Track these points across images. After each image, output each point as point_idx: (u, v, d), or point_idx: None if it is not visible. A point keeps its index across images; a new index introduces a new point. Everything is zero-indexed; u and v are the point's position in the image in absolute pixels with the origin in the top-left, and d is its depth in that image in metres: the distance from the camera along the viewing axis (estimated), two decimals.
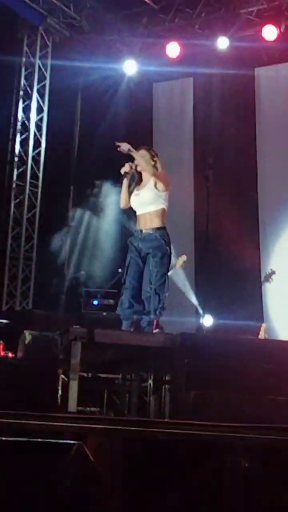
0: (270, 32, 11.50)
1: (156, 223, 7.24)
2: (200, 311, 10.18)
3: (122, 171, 7.30)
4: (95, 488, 2.82)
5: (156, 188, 7.24)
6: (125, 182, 7.34)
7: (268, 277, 9.70)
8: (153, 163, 7.30)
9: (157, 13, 12.48)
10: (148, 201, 7.26)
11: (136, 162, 7.29)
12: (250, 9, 11.80)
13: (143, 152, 7.35)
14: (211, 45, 12.11)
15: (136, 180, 7.37)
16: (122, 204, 7.49)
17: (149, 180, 7.30)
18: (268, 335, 9.98)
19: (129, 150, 7.20)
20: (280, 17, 11.51)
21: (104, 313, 10.64)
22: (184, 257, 9.62)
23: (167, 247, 7.24)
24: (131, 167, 7.26)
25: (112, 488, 3.31)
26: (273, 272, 9.66)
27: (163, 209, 7.27)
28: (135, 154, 7.25)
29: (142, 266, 7.27)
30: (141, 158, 7.29)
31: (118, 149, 7.21)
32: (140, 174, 7.36)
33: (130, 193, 7.37)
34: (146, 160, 7.29)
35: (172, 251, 7.49)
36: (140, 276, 7.27)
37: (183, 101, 13.07)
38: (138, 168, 7.33)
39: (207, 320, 10.40)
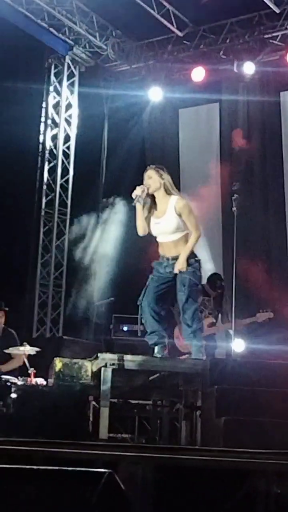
0: None
1: (182, 250, 6.91)
2: (231, 335, 10.15)
3: (134, 194, 6.91)
4: None
5: (177, 213, 6.87)
6: (139, 207, 6.93)
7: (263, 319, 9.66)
8: (162, 181, 6.93)
9: (182, 40, 12.60)
10: (170, 230, 6.92)
11: (146, 185, 6.93)
12: (274, 34, 11.87)
13: (150, 173, 7.00)
14: (236, 71, 12.16)
15: (150, 203, 7.00)
16: (140, 232, 7.06)
17: (167, 205, 6.93)
18: None
19: (142, 191, 6.89)
20: None
21: (134, 339, 10.66)
22: (270, 315, 9.57)
23: (199, 277, 6.99)
24: (143, 190, 6.87)
25: None
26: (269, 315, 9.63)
27: (187, 234, 6.95)
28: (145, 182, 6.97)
29: (164, 287, 6.98)
30: (149, 179, 6.96)
31: (135, 197, 6.91)
32: (153, 197, 7.00)
33: (147, 218, 6.99)
34: (154, 180, 6.94)
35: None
36: (160, 296, 6.98)
37: (209, 127, 13.11)
38: (150, 191, 6.94)
39: (238, 345, 10.36)
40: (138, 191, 6.89)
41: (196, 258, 6.98)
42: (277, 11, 11.54)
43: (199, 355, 6.73)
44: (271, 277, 11.54)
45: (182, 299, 6.84)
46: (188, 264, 6.85)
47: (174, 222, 6.88)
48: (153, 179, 6.95)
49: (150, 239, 7.27)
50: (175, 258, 6.89)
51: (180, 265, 6.82)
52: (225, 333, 9.67)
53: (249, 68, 12.06)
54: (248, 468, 3.98)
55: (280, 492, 4.01)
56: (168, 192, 6.97)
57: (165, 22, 12.08)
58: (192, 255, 6.93)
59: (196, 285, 6.95)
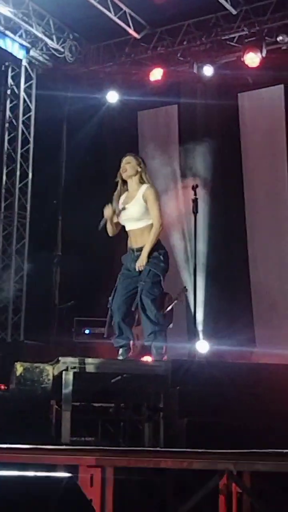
0: (252, 60, 11.61)
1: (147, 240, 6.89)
2: (199, 336, 10.19)
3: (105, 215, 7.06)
4: None
5: (144, 200, 6.90)
6: (105, 222, 7.10)
7: (180, 294, 9.67)
8: (139, 169, 7.01)
9: (139, 42, 12.60)
10: (136, 217, 6.94)
11: (122, 169, 7.03)
12: (231, 35, 11.92)
13: (129, 158, 7.07)
14: (193, 72, 12.20)
15: (121, 188, 7.09)
16: (110, 233, 7.16)
17: (136, 192, 7.00)
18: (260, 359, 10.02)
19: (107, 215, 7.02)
20: (261, 42, 11.60)
21: (96, 341, 10.64)
22: (185, 290, 9.55)
23: (162, 268, 6.90)
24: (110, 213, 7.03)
25: None
26: (185, 289, 9.62)
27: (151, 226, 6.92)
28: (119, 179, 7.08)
29: (132, 288, 6.95)
30: (127, 164, 7.03)
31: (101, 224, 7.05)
32: (125, 182, 7.10)
33: (114, 210, 7.01)
34: (132, 166, 7.02)
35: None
36: (128, 298, 6.96)
37: (168, 129, 13.15)
38: (124, 176, 7.04)
39: (203, 346, 10.40)
40: (107, 213, 7.03)
41: (160, 251, 6.95)
42: (234, 12, 11.60)
43: (159, 357, 6.74)
44: None
45: (140, 289, 6.84)
46: (152, 256, 6.84)
47: (140, 208, 6.92)
48: (131, 164, 7.03)
49: (112, 245, 7.28)
50: (141, 250, 6.87)
51: (140, 262, 6.83)
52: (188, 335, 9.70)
53: (208, 70, 12.10)
54: (210, 468, 3.99)
55: (241, 491, 4.03)
56: (141, 181, 7.01)
57: (122, 24, 12.08)
58: (157, 247, 6.92)
59: (158, 276, 6.89)
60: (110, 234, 7.18)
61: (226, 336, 10.62)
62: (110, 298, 7.07)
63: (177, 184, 12.28)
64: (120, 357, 6.95)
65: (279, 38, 11.42)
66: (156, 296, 6.91)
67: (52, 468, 3.97)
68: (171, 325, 7.71)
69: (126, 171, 7.04)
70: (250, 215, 12.11)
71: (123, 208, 6.99)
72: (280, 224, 11.89)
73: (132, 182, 7.07)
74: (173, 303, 8.57)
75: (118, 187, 7.14)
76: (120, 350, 6.99)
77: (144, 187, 6.99)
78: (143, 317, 6.92)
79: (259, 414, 5.73)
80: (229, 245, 12.32)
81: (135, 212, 6.93)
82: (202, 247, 11.10)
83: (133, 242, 7.00)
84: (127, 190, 7.11)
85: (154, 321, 6.86)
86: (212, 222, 11.65)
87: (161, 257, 6.94)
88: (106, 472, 3.55)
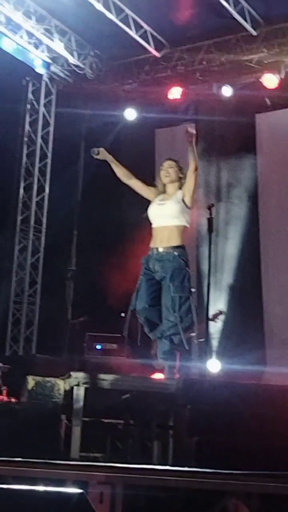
0: (270, 81, 11.68)
1: (176, 241, 6.82)
2: (210, 355, 10.18)
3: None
4: None
5: (183, 202, 6.87)
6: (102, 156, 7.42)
7: (215, 317, 9.69)
8: (181, 175, 6.99)
9: (159, 61, 12.68)
10: (172, 214, 6.83)
11: (164, 173, 7.02)
12: (250, 56, 11.98)
13: (172, 163, 7.08)
14: (212, 92, 12.27)
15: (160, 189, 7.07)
16: (123, 177, 7.35)
17: (176, 192, 6.96)
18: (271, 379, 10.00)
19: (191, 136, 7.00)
20: (280, 64, 11.66)
21: (107, 357, 10.65)
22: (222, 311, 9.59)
23: (186, 268, 6.81)
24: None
25: None
26: (220, 312, 9.65)
27: (185, 227, 6.90)
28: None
29: (156, 289, 6.86)
30: (170, 168, 7.04)
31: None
32: (164, 186, 7.08)
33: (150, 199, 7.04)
34: (175, 171, 7.03)
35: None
36: (153, 300, 6.87)
37: (185, 147, 13.14)
38: (166, 180, 7.03)
39: (214, 365, 10.39)
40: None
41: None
42: (254, 34, 11.67)
43: (171, 376, 6.74)
44: None
45: (175, 295, 6.74)
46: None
47: (179, 206, 6.85)
48: (174, 169, 7.03)
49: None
50: (166, 252, 6.79)
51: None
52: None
53: (227, 91, 12.17)
54: (219, 489, 3.99)
55: None
56: (180, 188, 6.99)
57: (143, 43, 12.17)
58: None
59: (186, 274, 6.84)
60: (123, 178, 7.35)
61: (236, 356, 10.60)
62: (132, 302, 6.95)
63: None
64: (160, 351, 6.87)
65: None
66: (190, 299, 6.83)
67: (61, 483, 3.99)
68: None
69: (170, 175, 7.02)
70: (264, 236, 12.10)
71: (161, 204, 6.94)
72: None
73: (172, 187, 7.04)
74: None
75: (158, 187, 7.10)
76: (159, 343, 6.89)
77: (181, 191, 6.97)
78: (177, 321, 6.76)
79: (270, 435, 5.72)
80: (243, 266, 12.32)
81: (172, 209, 6.86)
82: (214, 266, 11.10)
83: (159, 241, 6.88)
84: (164, 192, 7.08)
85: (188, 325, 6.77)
86: (225, 242, 11.69)
87: (187, 257, 6.90)
88: (116, 489, 3.57)
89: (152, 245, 6.93)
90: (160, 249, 6.83)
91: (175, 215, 6.84)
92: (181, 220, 6.85)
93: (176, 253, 6.76)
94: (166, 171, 7.03)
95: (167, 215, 6.86)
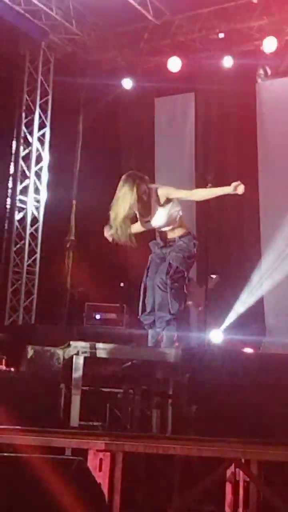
0: (270, 45, 11.57)
1: (179, 232, 6.82)
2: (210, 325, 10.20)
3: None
4: (95, 504, 2.85)
5: (163, 206, 6.68)
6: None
7: (213, 284, 9.73)
8: (145, 199, 6.66)
9: (159, 29, 12.55)
10: (163, 225, 6.78)
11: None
12: (251, 24, 11.87)
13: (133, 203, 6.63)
14: (212, 61, 12.18)
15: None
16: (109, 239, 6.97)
17: (150, 203, 6.69)
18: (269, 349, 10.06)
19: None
20: (280, 32, 11.57)
21: (106, 327, 10.68)
22: (217, 279, 9.60)
23: (194, 249, 6.81)
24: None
25: (111, 502, 3.33)
26: (216, 278, 9.69)
27: (180, 218, 6.81)
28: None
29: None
30: (139, 207, 6.69)
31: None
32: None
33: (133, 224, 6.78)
34: (144, 204, 6.68)
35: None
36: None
37: (184, 116, 13.13)
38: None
39: (216, 335, 10.43)
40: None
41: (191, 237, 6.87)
42: (254, 1, 11.54)
43: (170, 346, 6.75)
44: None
45: (173, 263, 6.73)
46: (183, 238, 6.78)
47: (163, 216, 6.73)
48: (142, 204, 6.69)
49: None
50: (172, 241, 6.79)
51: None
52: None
53: (227, 61, 12.07)
54: (218, 456, 4.01)
55: (248, 480, 4.06)
56: (147, 199, 6.73)
57: (142, 10, 12.03)
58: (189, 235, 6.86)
59: (191, 253, 6.83)
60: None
61: (237, 326, 10.64)
62: (144, 279, 6.94)
63: (192, 171, 12.27)
64: (150, 335, 6.90)
65: None
66: (185, 277, 6.83)
67: (61, 452, 4.01)
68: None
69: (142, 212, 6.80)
70: (264, 202, 12.03)
71: (146, 221, 6.80)
72: None
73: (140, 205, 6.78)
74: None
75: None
76: (150, 331, 6.90)
77: (153, 193, 6.74)
78: (167, 287, 6.74)
79: (268, 403, 5.75)
80: (242, 233, 12.34)
81: (159, 222, 6.76)
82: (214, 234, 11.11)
83: (163, 237, 6.88)
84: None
85: (169, 303, 6.79)
86: (225, 208, 11.70)
87: (194, 241, 6.88)
88: (115, 457, 3.58)
89: (157, 235, 6.94)
90: (167, 240, 6.85)
91: (165, 224, 6.77)
92: (172, 224, 6.78)
93: (182, 241, 6.78)
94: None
95: (157, 227, 6.84)
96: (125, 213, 6.65)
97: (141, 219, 6.84)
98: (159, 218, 6.76)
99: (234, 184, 6.66)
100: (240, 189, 6.66)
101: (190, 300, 9.53)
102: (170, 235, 6.85)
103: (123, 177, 6.79)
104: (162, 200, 6.74)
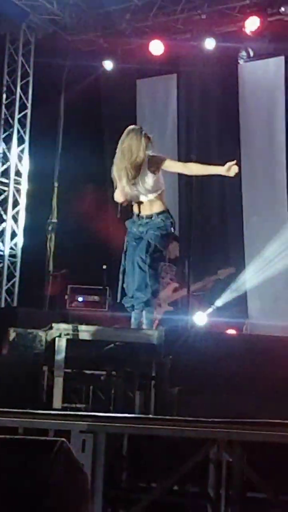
0: (252, 24, 11.50)
1: (158, 207, 6.78)
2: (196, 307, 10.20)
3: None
4: (77, 485, 2.83)
5: (151, 172, 6.62)
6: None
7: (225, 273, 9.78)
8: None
9: (140, 10, 12.46)
10: (148, 191, 6.71)
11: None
12: (233, 5, 11.81)
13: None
14: (194, 42, 12.12)
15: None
16: (119, 199, 6.82)
17: (140, 167, 6.63)
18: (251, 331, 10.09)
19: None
20: (263, 14, 11.51)
21: (89, 310, 10.66)
22: (231, 270, 9.64)
23: (172, 228, 6.79)
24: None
25: (94, 484, 3.33)
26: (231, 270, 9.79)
27: (163, 191, 6.79)
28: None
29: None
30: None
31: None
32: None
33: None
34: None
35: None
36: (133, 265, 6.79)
37: (166, 98, 13.08)
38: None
39: (200, 317, 10.43)
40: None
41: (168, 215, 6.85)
42: None
43: (150, 326, 6.75)
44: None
45: (151, 242, 6.72)
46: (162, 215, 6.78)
47: (150, 180, 6.67)
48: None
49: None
50: (149, 217, 6.75)
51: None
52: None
53: (209, 43, 12.00)
54: (200, 437, 4.01)
55: (231, 460, 4.06)
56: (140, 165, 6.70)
57: None
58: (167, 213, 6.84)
59: (169, 231, 6.82)
60: (119, 200, 6.88)
61: (219, 308, 10.66)
62: (122, 263, 6.94)
63: (174, 153, 12.23)
64: (132, 318, 6.89)
65: (282, 9, 11.32)
66: (163, 256, 6.85)
67: (44, 433, 4.00)
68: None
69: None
70: (246, 180, 11.99)
71: (132, 184, 6.70)
72: (276, 191, 11.89)
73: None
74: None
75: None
76: (133, 313, 6.92)
77: (145, 162, 6.69)
78: (139, 271, 6.75)
79: (251, 384, 5.76)
80: (224, 212, 12.37)
81: (147, 186, 6.70)
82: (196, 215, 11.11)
83: (142, 210, 6.81)
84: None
85: (147, 280, 6.76)
86: (207, 191, 11.70)
87: (172, 219, 6.85)
88: (98, 438, 3.58)
89: (135, 211, 6.88)
90: (143, 216, 6.80)
91: (150, 190, 6.73)
92: (155, 192, 6.75)
93: (159, 219, 6.74)
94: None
95: (141, 194, 6.78)
96: (140, 160, 6.58)
97: (130, 179, 6.67)
98: (147, 181, 6.66)
99: (229, 164, 6.63)
100: (233, 171, 6.63)
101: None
102: (148, 210, 6.79)
103: (128, 128, 6.79)
104: (153, 166, 6.68)
